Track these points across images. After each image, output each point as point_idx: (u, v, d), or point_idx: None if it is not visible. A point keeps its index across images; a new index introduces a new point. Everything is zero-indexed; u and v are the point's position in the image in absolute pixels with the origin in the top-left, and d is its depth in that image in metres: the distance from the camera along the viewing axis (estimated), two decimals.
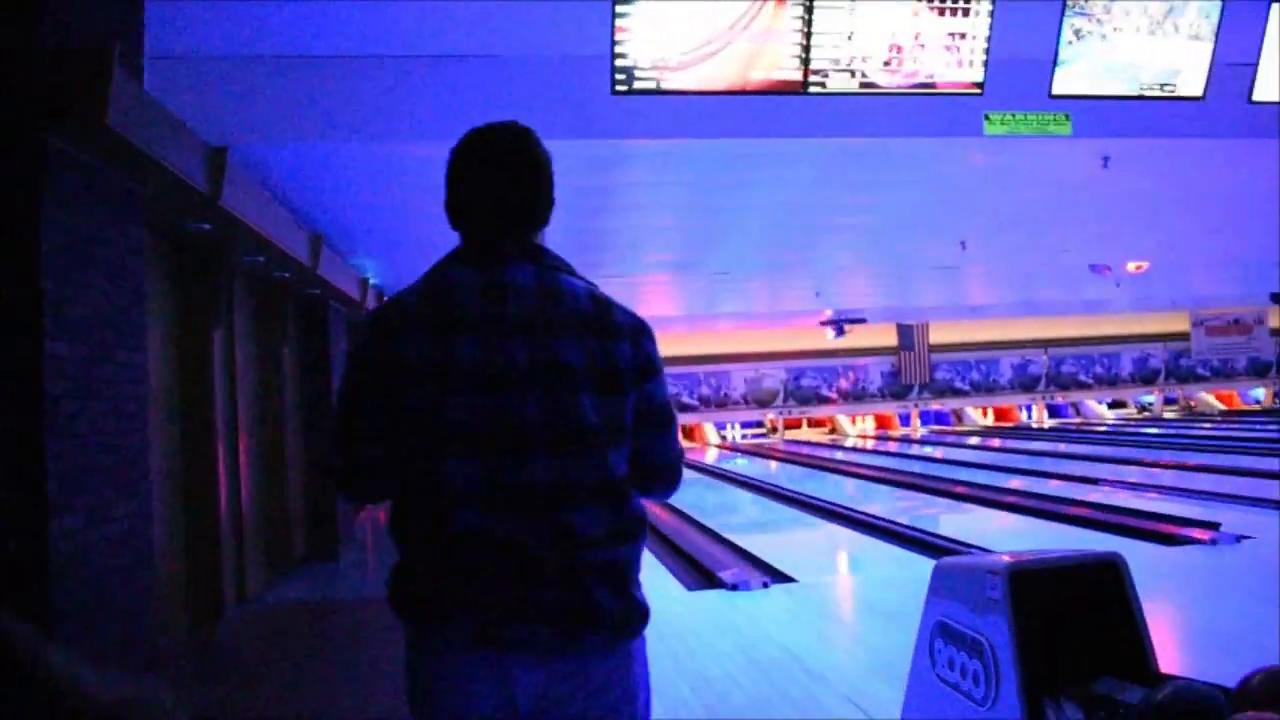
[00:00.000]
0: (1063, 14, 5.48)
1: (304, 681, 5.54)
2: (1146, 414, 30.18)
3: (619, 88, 5.09)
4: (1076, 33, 5.53)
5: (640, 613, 1.85)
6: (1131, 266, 14.65)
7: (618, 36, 5.00)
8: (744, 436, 28.46)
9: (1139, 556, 2.98)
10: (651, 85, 5.10)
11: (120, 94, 4.00)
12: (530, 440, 1.76)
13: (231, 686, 5.56)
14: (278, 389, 9.47)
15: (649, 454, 1.91)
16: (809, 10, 5.11)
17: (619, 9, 4.94)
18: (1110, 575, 2.83)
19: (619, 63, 5.04)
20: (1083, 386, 29.85)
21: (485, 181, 1.92)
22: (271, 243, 7.21)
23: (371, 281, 12.23)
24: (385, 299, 9.20)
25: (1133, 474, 14.33)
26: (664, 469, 1.95)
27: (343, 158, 7.18)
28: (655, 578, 8.48)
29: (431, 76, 6.05)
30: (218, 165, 5.69)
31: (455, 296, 1.82)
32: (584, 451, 1.79)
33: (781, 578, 7.70)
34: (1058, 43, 5.55)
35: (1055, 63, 5.60)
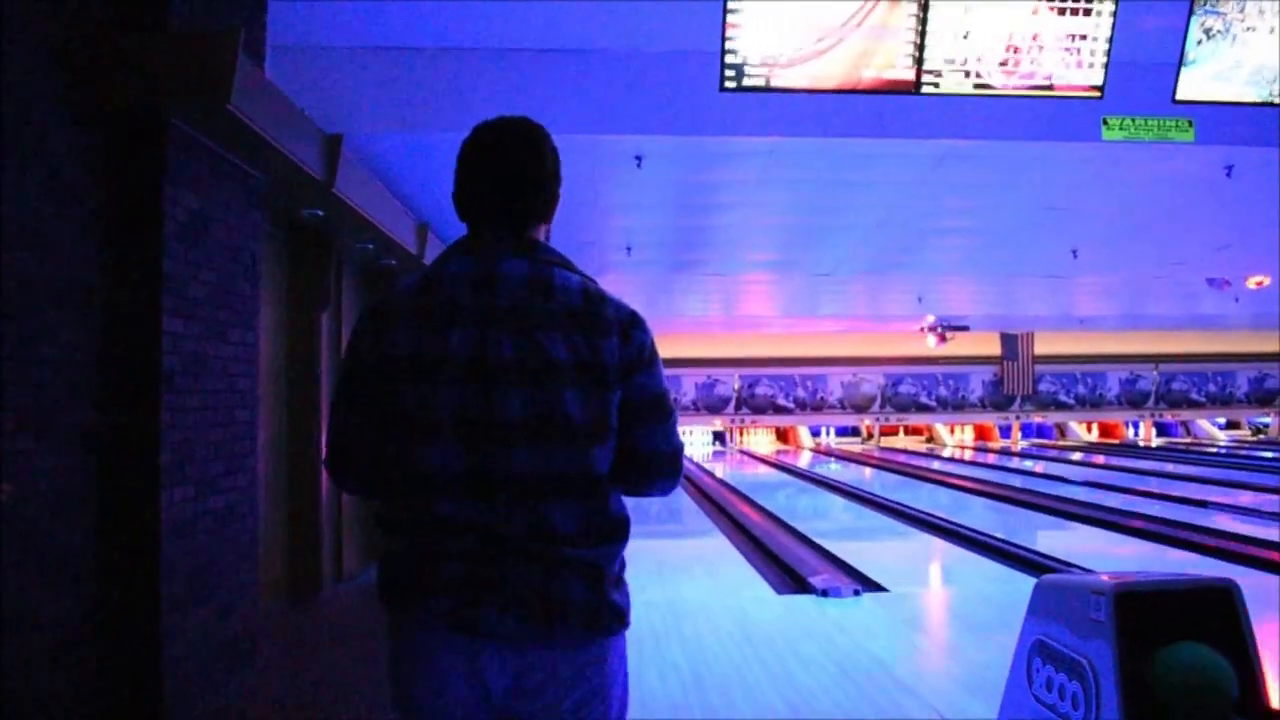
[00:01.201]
0: (1191, 12, 5.26)
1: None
2: (1261, 436, 28.93)
3: (728, 84, 5.05)
4: (1206, 32, 5.30)
5: (613, 612, 1.82)
6: (1252, 283, 14.04)
7: (728, 33, 4.97)
8: (837, 442, 28.18)
9: (1248, 584, 2.84)
10: (761, 82, 5.06)
11: (243, 78, 4.13)
12: (512, 433, 1.76)
13: (325, 658, 5.70)
14: None
15: (642, 445, 1.88)
16: (924, 8, 5.01)
17: (730, 4, 4.91)
18: (1223, 602, 2.71)
19: (729, 59, 5.00)
20: (1194, 405, 28.75)
21: (486, 175, 1.95)
22: (381, 230, 7.37)
23: None
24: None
25: (1245, 498, 13.75)
26: (656, 460, 1.90)
27: (450, 148, 7.25)
28: (744, 579, 8.44)
29: (540, 70, 6.10)
30: (333, 153, 5.84)
31: (447, 289, 1.84)
32: (565, 447, 1.78)
33: (873, 586, 7.58)
34: (1184, 43, 5.33)
35: (1181, 64, 5.38)
